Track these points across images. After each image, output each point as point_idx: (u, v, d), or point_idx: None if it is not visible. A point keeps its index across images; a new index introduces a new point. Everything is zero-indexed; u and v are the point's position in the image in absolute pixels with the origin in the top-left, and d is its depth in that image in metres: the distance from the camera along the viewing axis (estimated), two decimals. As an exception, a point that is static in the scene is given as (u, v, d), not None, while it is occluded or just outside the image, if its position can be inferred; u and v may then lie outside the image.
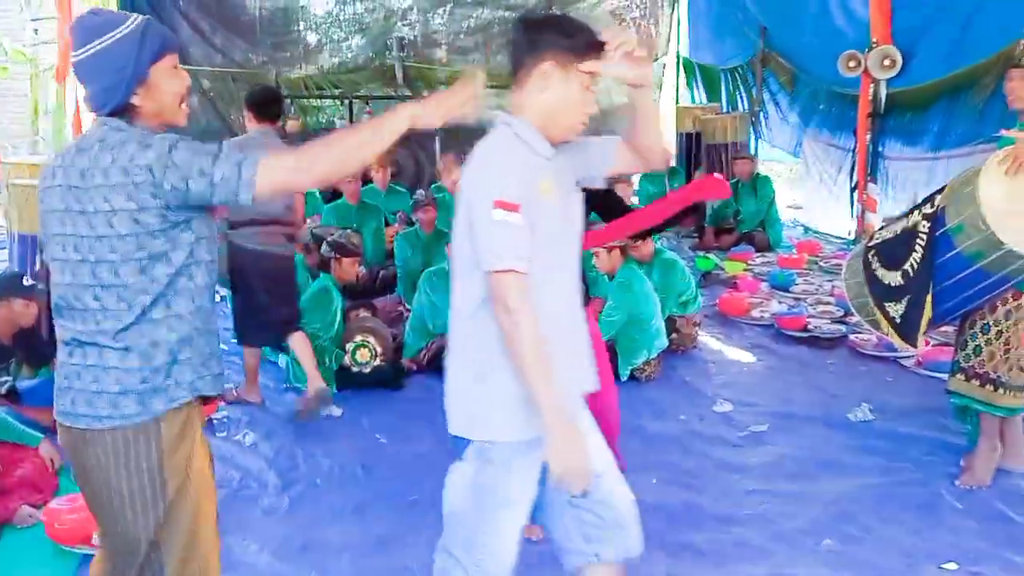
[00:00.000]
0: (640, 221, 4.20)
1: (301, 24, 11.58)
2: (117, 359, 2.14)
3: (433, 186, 8.35)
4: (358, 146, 2.21)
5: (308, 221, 6.90)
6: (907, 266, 3.87)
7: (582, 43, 2.20)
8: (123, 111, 2.16)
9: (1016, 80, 3.89)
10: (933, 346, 5.68)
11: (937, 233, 3.76)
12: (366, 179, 8.28)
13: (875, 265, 4.08)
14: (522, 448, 2.24)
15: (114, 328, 2.13)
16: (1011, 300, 3.80)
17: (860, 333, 6.06)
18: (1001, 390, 3.86)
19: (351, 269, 5.69)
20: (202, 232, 2.20)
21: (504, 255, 2.11)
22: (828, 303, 6.89)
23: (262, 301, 4.88)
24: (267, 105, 5.07)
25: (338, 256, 5.57)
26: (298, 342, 4.99)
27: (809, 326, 6.32)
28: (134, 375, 2.14)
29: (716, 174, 3.39)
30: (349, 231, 5.97)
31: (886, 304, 3.98)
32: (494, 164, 2.20)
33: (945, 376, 5.09)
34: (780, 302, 7.02)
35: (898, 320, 3.93)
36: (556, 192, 2.24)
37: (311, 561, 3.49)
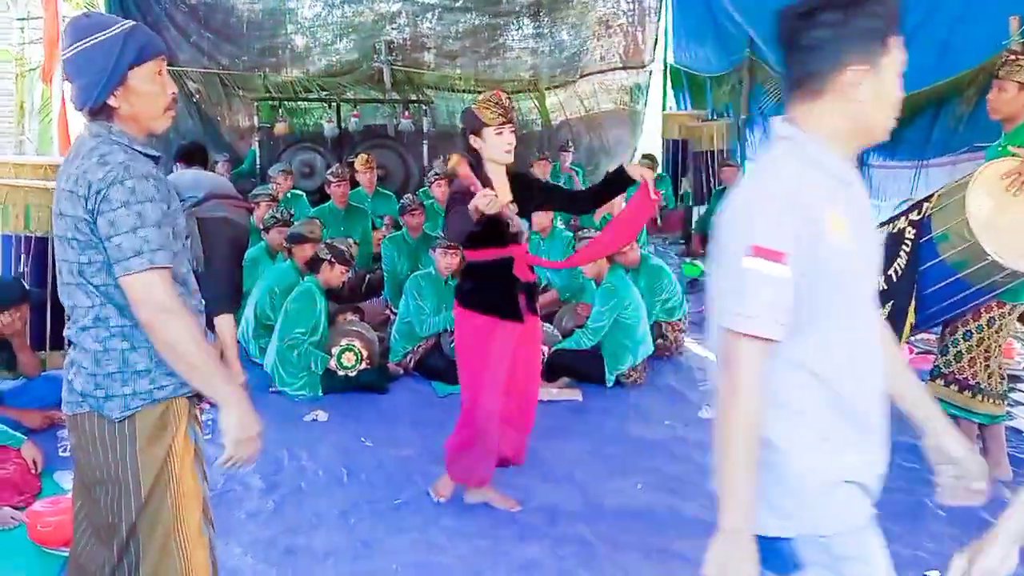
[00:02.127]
0: (614, 242, 4.25)
1: (289, 27, 11.56)
2: (84, 356, 2.25)
3: (420, 191, 8.36)
4: (189, 364, 2.18)
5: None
6: (891, 271, 3.91)
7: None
8: (101, 111, 2.23)
9: (994, 91, 3.95)
10: (917, 354, 5.71)
11: (922, 240, 3.79)
12: (354, 183, 8.27)
13: None
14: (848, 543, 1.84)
15: (81, 325, 2.24)
16: (995, 308, 3.84)
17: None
18: (979, 396, 3.89)
19: (339, 277, 5.69)
20: None
21: (748, 316, 1.68)
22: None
23: (227, 268, 5.05)
24: (192, 155, 5.64)
25: (332, 260, 5.57)
26: (227, 325, 5.08)
27: (793, 333, 6.34)
28: (89, 375, 2.24)
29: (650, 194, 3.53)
30: (350, 240, 5.97)
31: None
32: (758, 194, 1.75)
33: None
34: (765, 309, 7.04)
35: None
36: (850, 227, 1.74)
37: (295, 565, 3.48)
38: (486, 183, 3.63)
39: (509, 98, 3.70)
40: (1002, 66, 3.93)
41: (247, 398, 2.27)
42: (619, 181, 3.85)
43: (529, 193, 3.81)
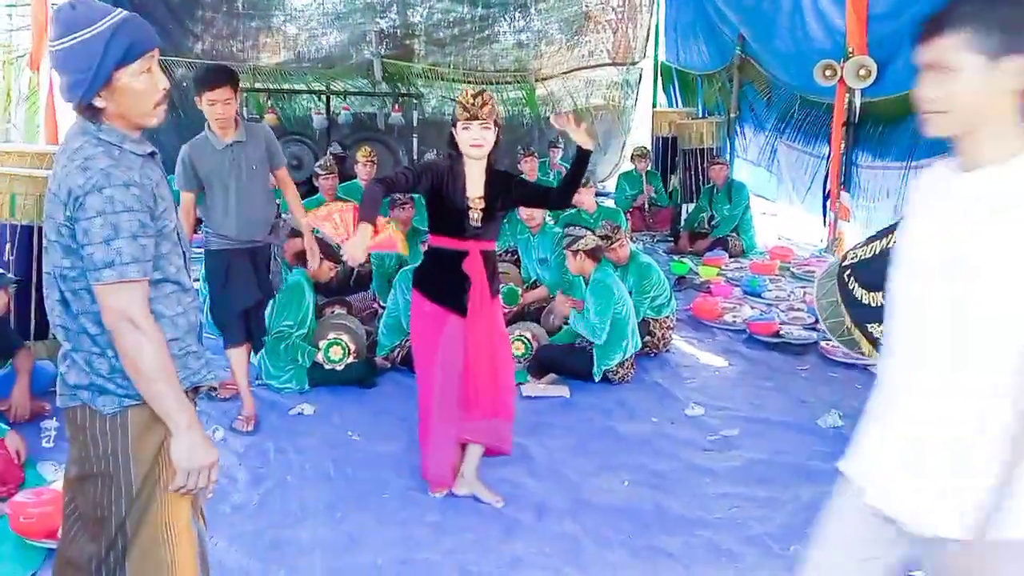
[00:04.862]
0: None
1: (279, 16, 11.51)
2: (78, 353, 2.22)
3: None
4: (145, 379, 2.13)
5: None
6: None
7: None
8: (89, 108, 2.15)
9: None
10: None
11: None
12: (344, 176, 8.22)
13: (853, 285, 4.09)
14: None
15: (70, 326, 2.21)
16: None
17: (831, 340, 6.11)
18: None
19: (327, 272, 5.67)
20: None
21: None
22: (800, 309, 6.94)
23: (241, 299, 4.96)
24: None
25: (321, 256, 5.54)
26: (237, 358, 4.84)
27: (780, 332, 6.37)
28: (82, 371, 2.21)
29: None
30: None
31: (869, 325, 3.99)
32: None
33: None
34: (752, 307, 7.07)
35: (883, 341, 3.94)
36: None
37: (281, 558, 3.47)
38: (461, 176, 3.76)
39: (479, 95, 3.75)
40: None
41: (199, 426, 2.21)
42: (577, 161, 3.91)
43: (503, 191, 3.84)
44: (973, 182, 1.76)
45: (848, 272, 4.16)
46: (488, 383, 3.87)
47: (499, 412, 3.94)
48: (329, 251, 5.58)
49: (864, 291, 4.03)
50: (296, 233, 5.91)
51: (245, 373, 4.77)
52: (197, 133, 4.57)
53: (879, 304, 3.96)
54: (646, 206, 10.20)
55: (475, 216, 3.75)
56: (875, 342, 3.98)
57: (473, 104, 3.71)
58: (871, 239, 4.24)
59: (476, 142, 3.72)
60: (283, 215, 6.43)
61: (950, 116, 1.77)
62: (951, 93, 1.75)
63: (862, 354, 4.20)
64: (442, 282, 3.83)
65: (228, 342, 4.78)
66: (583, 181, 7.44)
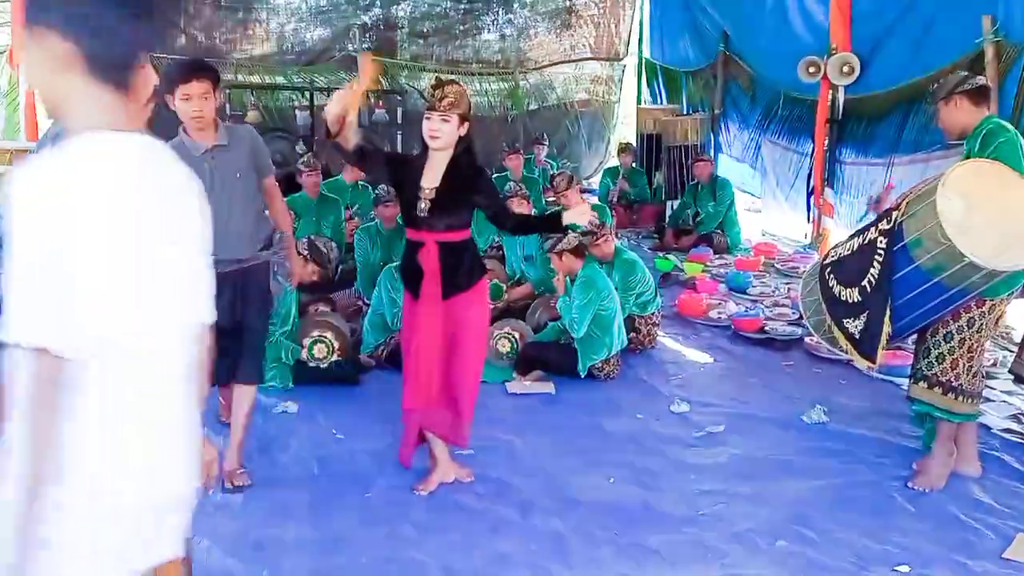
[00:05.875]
0: None
1: (262, 11, 11.43)
2: None
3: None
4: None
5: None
6: (865, 282, 3.90)
7: None
8: None
9: (942, 113, 4.04)
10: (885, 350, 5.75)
11: (895, 248, 3.79)
12: (327, 172, 8.18)
13: (832, 283, 4.11)
14: None
15: None
16: (974, 308, 3.85)
17: (814, 336, 6.13)
18: (960, 398, 3.92)
19: (309, 275, 5.65)
20: None
21: None
22: (784, 305, 6.96)
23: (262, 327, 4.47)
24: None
25: (306, 257, 5.52)
26: (248, 399, 4.22)
27: (765, 328, 6.38)
28: None
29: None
30: (333, 243, 6.01)
31: (844, 321, 4.01)
32: None
33: (898, 379, 5.19)
34: (737, 304, 7.08)
35: (857, 336, 3.96)
36: None
37: (264, 558, 3.44)
38: (421, 165, 3.80)
39: (441, 87, 3.73)
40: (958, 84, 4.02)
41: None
42: (551, 224, 4.06)
43: (464, 187, 3.77)
44: None
45: (828, 270, 4.18)
46: (440, 376, 3.87)
47: (452, 407, 3.92)
48: (318, 255, 5.57)
49: (841, 288, 4.05)
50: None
51: (231, 412, 4.30)
52: (173, 134, 3.90)
53: (854, 300, 3.98)
54: (615, 199, 10.16)
55: (423, 206, 3.73)
56: (851, 337, 4.01)
57: (433, 95, 3.71)
58: (852, 236, 4.25)
59: (433, 133, 3.71)
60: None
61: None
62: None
63: (842, 351, 4.22)
64: (405, 269, 3.94)
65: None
66: (567, 182, 7.46)
